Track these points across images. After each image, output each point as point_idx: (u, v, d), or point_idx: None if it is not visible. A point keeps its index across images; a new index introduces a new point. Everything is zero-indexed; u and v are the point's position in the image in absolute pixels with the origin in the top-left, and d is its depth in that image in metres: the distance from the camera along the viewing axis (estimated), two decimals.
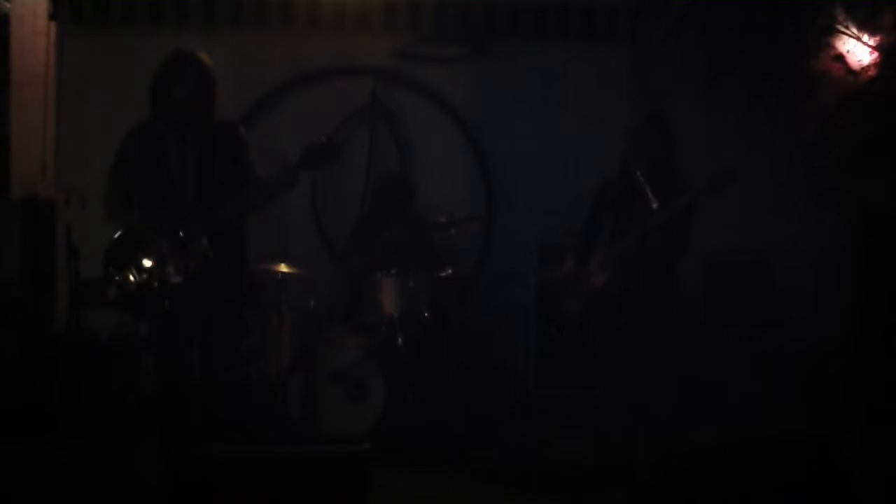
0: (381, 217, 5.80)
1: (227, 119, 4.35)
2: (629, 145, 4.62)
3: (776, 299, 5.85)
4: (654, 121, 4.71)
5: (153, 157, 4.15)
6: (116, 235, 4.15)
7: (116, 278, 4.07)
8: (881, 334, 5.87)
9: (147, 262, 4.04)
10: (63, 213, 6.18)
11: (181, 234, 4.04)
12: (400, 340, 5.30)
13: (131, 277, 4.05)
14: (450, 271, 5.55)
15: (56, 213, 6.24)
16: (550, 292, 5.32)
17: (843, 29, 6.26)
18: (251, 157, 4.29)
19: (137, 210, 4.18)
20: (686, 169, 4.65)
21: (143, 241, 4.08)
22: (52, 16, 6.29)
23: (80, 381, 5.41)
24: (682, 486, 2.90)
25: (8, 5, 6.62)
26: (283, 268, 5.32)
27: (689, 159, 4.84)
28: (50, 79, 6.45)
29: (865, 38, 6.25)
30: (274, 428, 5.05)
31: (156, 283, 4.04)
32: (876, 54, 6.19)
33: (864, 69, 6.24)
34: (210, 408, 4.19)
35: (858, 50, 6.29)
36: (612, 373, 4.65)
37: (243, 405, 4.76)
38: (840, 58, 6.30)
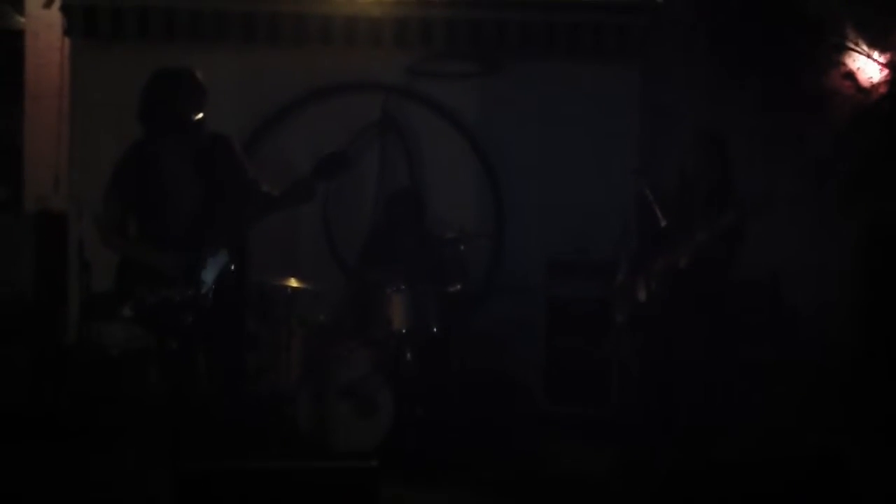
0: (392, 232, 5.80)
1: (219, 132, 4.37)
2: (685, 162, 4.71)
3: (787, 313, 5.85)
4: (709, 140, 4.79)
5: (150, 176, 4.17)
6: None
7: (130, 293, 4.09)
8: (892, 346, 5.87)
9: (161, 278, 4.06)
10: (76, 226, 6.20)
11: (196, 249, 4.07)
12: (409, 355, 5.31)
13: (146, 293, 4.06)
14: (459, 286, 5.55)
15: (69, 227, 6.26)
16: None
17: (853, 46, 6.29)
18: (247, 167, 4.31)
19: (138, 227, 4.21)
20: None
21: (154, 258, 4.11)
22: (67, 30, 6.31)
23: (91, 394, 5.42)
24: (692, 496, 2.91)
25: (22, 20, 6.68)
26: (294, 282, 5.34)
27: None
28: (64, 93, 6.48)
29: (876, 55, 6.28)
30: (283, 442, 5.06)
31: (174, 299, 4.05)
32: (886, 71, 6.22)
33: (875, 86, 6.27)
34: (220, 421, 4.20)
35: (868, 67, 6.31)
36: (654, 387, 4.69)
37: (253, 419, 4.77)
38: (850, 75, 6.33)
